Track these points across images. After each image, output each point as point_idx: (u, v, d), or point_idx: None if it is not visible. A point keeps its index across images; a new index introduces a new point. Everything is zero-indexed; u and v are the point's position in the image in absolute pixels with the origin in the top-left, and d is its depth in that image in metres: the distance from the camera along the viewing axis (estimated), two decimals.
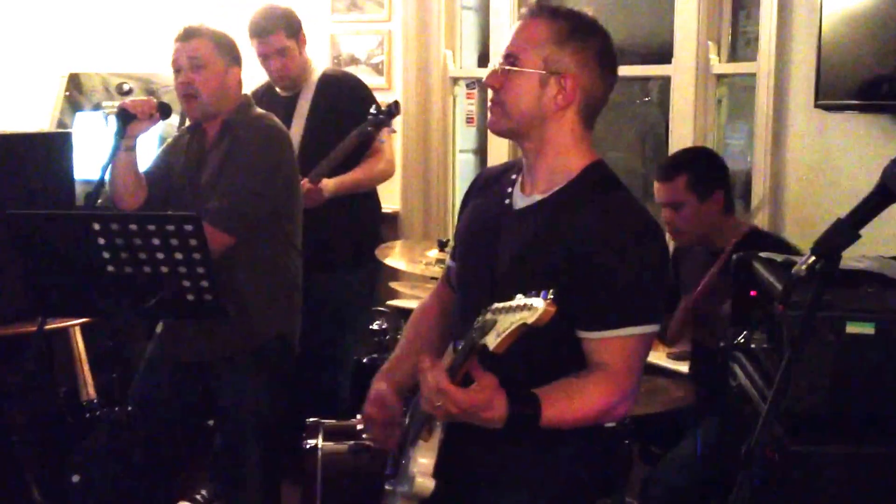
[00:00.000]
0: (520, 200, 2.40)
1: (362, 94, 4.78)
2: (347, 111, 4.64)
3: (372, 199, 4.94)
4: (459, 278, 2.54)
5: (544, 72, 2.31)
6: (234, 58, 3.65)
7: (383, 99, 4.89)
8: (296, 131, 4.58)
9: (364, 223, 4.88)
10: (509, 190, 2.43)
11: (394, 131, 4.75)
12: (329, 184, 4.49)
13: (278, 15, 4.62)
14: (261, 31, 4.58)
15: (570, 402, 2.23)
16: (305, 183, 4.37)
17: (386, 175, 4.86)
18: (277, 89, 4.77)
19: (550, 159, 2.37)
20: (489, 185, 2.54)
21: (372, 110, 4.51)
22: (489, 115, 2.40)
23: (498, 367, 2.17)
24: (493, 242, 2.39)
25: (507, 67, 2.33)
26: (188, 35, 3.59)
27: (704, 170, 3.72)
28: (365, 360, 4.82)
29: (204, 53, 3.56)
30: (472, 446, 2.32)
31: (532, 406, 2.19)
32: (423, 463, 2.29)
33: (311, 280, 3.95)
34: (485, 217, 2.47)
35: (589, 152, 2.41)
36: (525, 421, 2.19)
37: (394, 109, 4.55)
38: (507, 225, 2.39)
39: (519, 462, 2.37)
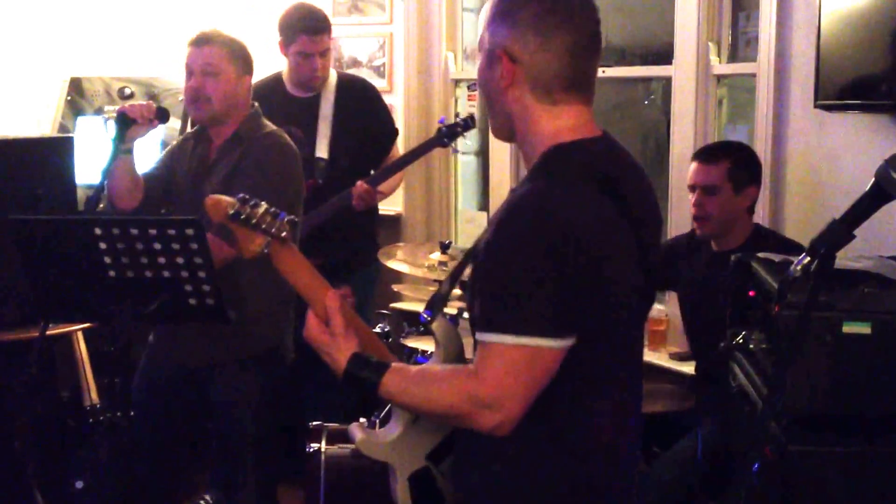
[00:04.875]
0: None
1: (381, 101, 4.93)
2: (370, 116, 4.76)
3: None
4: None
5: (488, 52, 2.13)
6: (246, 65, 3.65)
7: (386, 100, 4.95)
8: (323, 133, 4.63)
9: (363, 227, 4.91)
10: None
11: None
12: (383, 191, 4.69)
13: (325, 17, 4.68)
14: (315, 29, 4.59)
15: (417, 386, 2.10)
16: (363, 184, 4.42)
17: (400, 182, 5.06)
18: (288, 89, 4.76)
19: (523, 141, 2.16)
20: None
21: (446, 121, 4.62)
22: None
23: None
24: None
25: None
26: (203, 41, 3.59)
27: (746, 162, 3.79)
28: None
29: (217, 61, 3.56)
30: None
31: (371, 372, 2.13)
32: (390, 427, 2.30)
33: None
34: None
35: (563, 130, 2.12)
36: (362, 383, 2.15)
37: (470, 123, 4.58)
38: None
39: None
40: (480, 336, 2.01)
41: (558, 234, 1.95)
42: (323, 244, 4.35)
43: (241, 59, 3.64)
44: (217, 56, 3.57)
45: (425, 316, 2.30)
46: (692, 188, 3.79)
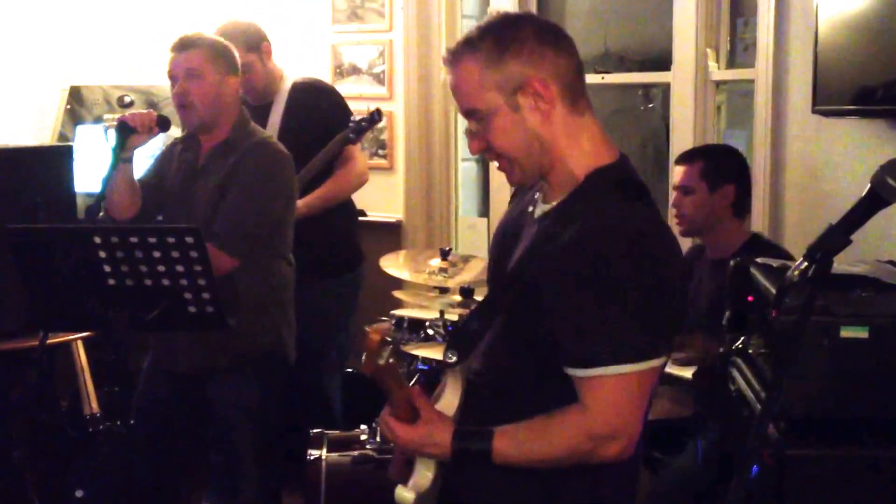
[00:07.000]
0: (539, 208, 2.25)
1: (336, 102, 4.81)
2: (322, 119, 4.65)
3: (345, 206, 4.86)
4: (487, 279, 2.47)
5: (506, 97, 2.11)
6: (230, 67, 3.63)
7: (386, 107, 4.92)
8: None
9: (338, 231, 4.82)
10: (536, 196, 2.28)
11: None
12: (299, 206, 4.28)
13: (232, 32, 4.41)
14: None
15: (532, 442, 2.10)
16: None
17: (358, 185, 4.81)
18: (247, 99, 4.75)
19: (557, 166, 2.17)
20: (525, 190, 2.39)
21: (354, 118, 4.53)
22: (506, 175, 2.24)
23: (485, 407, 2.19)
24: (513, 247, 2.27)
25: (478, 125, 2.16)
26: (184, 46, 3.57)
27: (722, 162, 3.86)
28: (355, 371, 4.81)
29: (199, 64, 3.55)
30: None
31: (480, 442, 2.11)
32: (422, 473, 2.25)
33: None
34: (513, 221, 2.35)
35: (594, 150, 2.18)
36: (474, 456, 2.13)
37: (376, 117, 4.56)
38: (525, 232, 2.26)
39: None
40: (586, 371, 2.03)
41: (661, 255, 2.06)
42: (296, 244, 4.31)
43: (224, 59, 3.62)
44: (198, 59, 3.56)
45: (452, 356, 2.26)
46: (674, 189, 3.89)
